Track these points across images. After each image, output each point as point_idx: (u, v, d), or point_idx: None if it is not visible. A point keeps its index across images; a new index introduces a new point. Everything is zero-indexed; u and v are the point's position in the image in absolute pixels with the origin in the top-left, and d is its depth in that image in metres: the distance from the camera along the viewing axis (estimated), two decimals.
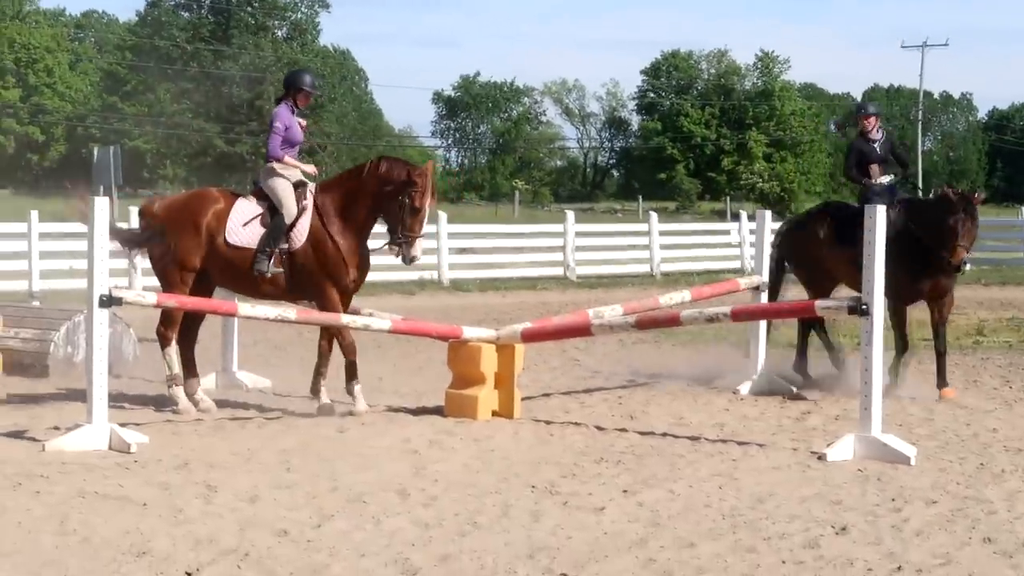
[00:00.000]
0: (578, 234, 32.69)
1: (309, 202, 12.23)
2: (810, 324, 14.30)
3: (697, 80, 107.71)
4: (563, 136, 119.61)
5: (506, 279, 30.05)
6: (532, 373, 14.46)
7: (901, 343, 13.64)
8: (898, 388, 13.29)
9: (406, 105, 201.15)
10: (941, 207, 13.32)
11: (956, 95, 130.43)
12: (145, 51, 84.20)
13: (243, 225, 12.22)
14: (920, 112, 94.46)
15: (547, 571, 7.19)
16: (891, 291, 13.28)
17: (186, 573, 7.06)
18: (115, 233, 12.24)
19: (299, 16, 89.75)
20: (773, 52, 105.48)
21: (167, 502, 8.56)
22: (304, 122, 12.82)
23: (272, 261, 12.11)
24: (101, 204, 10.56)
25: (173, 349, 12.37)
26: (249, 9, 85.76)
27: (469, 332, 12.43)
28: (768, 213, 15.16)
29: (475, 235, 33.83)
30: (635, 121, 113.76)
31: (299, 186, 12.33)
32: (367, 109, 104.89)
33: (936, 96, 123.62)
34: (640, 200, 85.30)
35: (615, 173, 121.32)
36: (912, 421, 12.09)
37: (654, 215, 36.18)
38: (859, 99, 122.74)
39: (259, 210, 12.29)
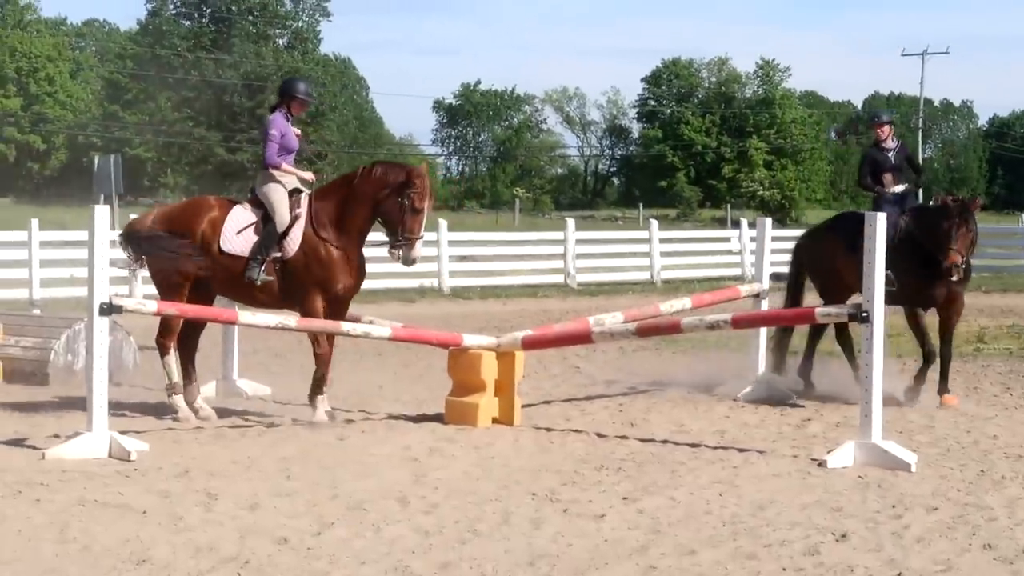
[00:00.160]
0: (579, 242, 32.66)
1: (303, 210, 12.21)
2: (822, 330, 14.33)
3: (698, 88, 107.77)
4: (564, 144, 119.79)
5: (507, 287, 30.04)
6: (533, 380, 14.46)
7: (924, 350, 13.58)
8: (918, 398, 13.32)
9: (407, 113, 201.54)
10: (940, 213, 13.37)
11: (957, 103, 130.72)
12: (146, 60, 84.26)
13: (237, 233, 12.21)
14: (921, 120, 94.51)
15: None
16: (904, 298, 13.35)
17: None
18: (154, 243, 12.25)
19: (300, 25, 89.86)
20: (774, 60, 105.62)
21: (167, 510, 8.56)
22: (299, 132, 12.82)
23: (263, 269, 12.09)
24: (101, 213, 10.56)
25: (172, 358, 12.37)
26: (250, 18, 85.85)
27: (470, 339, 12.43)
28: (769, 221, 15.19)
29: (476, 243, 33.77)
30: (636, 129, 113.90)
31: (294, 194, 12.32)
32: (368, 117, 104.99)
33: (937, 104, 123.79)
34: (641, 208, 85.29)
35: (616, 181, 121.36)
36: (913, 428, 12.08)
37: (655, 223, 36.13)
38: (859, 107, 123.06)
39: (254, 218, 12.28)
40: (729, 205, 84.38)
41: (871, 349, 10.36)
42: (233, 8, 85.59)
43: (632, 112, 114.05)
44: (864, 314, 10.42)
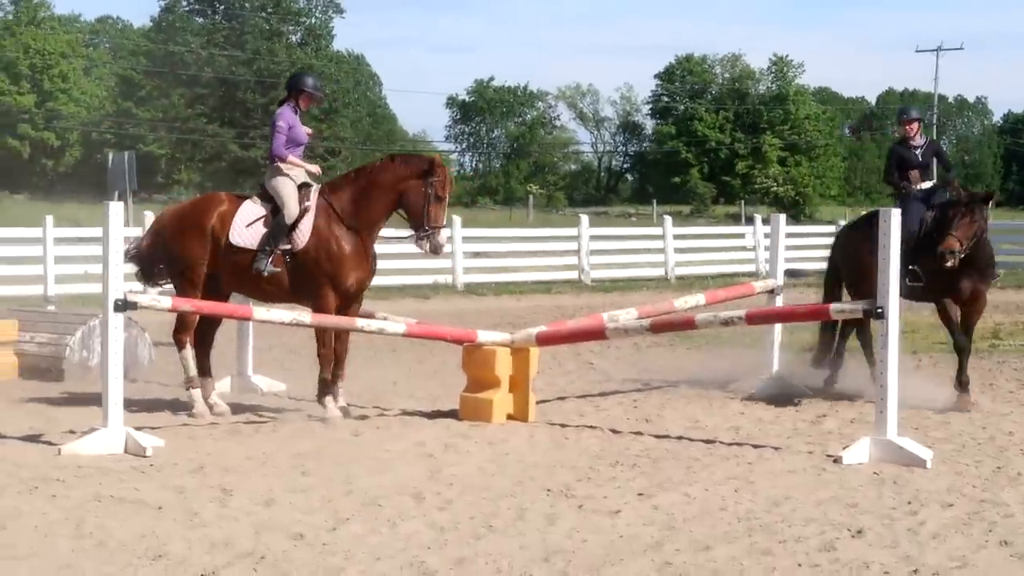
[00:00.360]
0: (592, 238, 32.66)
1: (312, 203, 12.20)
2: (853, 326, 14.27)
3: (711, 84, 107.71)
4: (577, 140, 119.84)
5: (521, 283, 30.04)
6: (547, 377, 14.45)
7: (958, 347, 13.33)
8: (972, 400, 13.07)
9: (420, 110, 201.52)
10: (950, 203, 13.33)
11: (971, 99, 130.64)
12: (159, 56, 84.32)
13: (247, 226, 12.22)
14: (935, 116, 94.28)
15: (562, 574, 7.18)
16: (931, 293, 13.29)
17: None
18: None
19: (313, 21, 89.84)
20: (787, 56, 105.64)
21: (183, 506, 8.58)
22: (311, 130, 12.84)
23: (271, 261, 12.09)
24: (115, 209, 10.57)
25: (189, 352, 12.39)
26: (263, 14, 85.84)
27: (484, 336, 12.44)
28: (782, 217, 15.17)
29: (489, 239, 33.80)
30: (649, 125, 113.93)
31: (303, 187, 12.33)
32: (381, 114, 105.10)
33: (951, 100, 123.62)
34: (654, 204, 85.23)
35: (629, 177, 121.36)
36: (928, 424, 12.05)
37: (668, 219, 36.12)
38: (873, 103, 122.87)
39: (263, 211, 12.28)
40: (743, 201, 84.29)
41: (886, 345, 10.34)
42: (246, 4, 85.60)
43: (646, 108, 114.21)
44: (879, 310, 10.39)
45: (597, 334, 12.93)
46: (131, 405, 11.40)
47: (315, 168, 12.69)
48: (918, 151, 14.07)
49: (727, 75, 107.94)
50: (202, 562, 7.30)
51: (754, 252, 35.42)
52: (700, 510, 8.64)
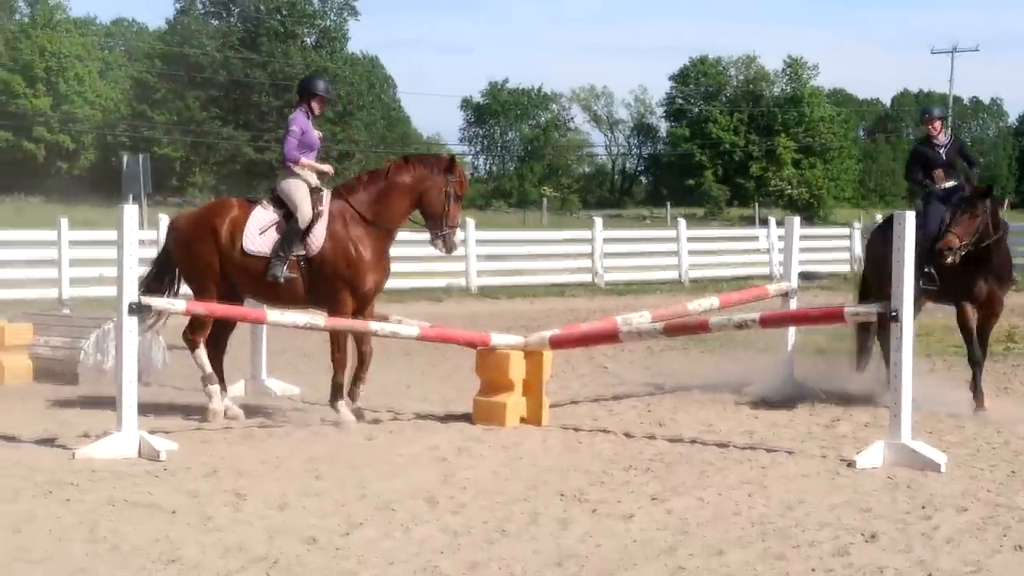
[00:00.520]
0: (606, 240, 32.61)
1: (325, 207, 12.22)
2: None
3: (725, 86, 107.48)
4: (591, 143, 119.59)
5: (534, 286, 30.03)
6: (560, 380, 14.45)
7: (972, 360, 13.27)
8: (984, 407, 13.01)
9: (434, 112, 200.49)
10: (956, 201, 13.29)
11: (986, 100, 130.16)
12: (174, 59, 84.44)
13: (260, 232, 12.23)
14: (950, 118, 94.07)
15: None
16: (948, 295, 13.23)
17: None
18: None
19: (328, 23, 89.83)
20: (801, 58, 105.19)
21: (196, 510, 8.59)
22: (321, 134, 12.86)
23: (287, 267, 12.11)
24: (130, 212, 10.59)
25: (202, 350, 12.38)
26: (278, 17, 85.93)
27: (497, 339, 12.43)
28: (797, 219, 15.13)
29: (503, 242, 33.75)
30: (663, 127, 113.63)
31: (315, 191, 12.34)
32: (395, 116, 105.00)
33: (966, 101, 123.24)
34: (668, 206, 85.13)
35: (643, 179, 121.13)
36: (942, 428, 12.02)
37: (682, 221, 36.08)
38: (888, 105, 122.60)
39: (275, 217, 12.29)
40: (757, 204, 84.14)
41: (900, 349, 10.32)
42: (261, 7, 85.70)
43: (660, 110, 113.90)
44: (894, 313, 10.37)
45: (611, 337, 12.93)
46: (145, 409, 11.41)
47: (327, 168, 12.71)
48: (942, 150, 14.00)
49: (741, 77, 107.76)
50: (216, 566, 7.31)
51: (768, 255, 35.32)
52: (713, 514, 8.63)
